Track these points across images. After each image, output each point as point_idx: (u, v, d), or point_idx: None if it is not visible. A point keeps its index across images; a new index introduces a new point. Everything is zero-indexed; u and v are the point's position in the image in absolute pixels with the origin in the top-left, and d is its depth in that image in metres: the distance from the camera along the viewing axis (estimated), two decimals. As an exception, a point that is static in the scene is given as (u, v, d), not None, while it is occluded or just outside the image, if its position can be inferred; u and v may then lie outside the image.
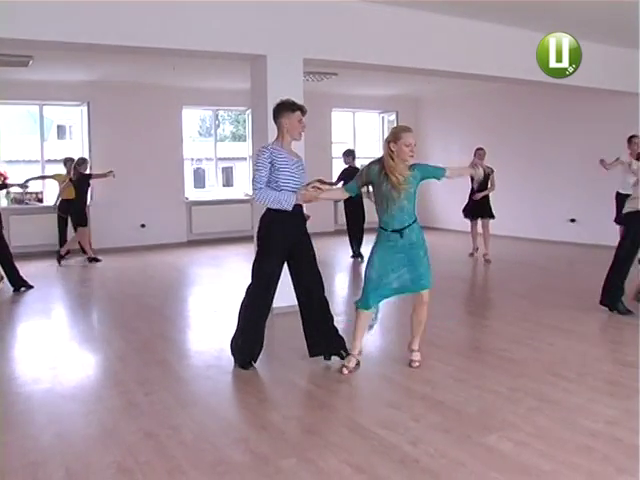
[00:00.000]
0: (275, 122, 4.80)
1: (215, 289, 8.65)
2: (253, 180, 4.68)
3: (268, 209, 4.76)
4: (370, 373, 4.82)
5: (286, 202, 4.64)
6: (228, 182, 21.82)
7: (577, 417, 3.91)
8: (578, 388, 4.43)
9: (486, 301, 7.60)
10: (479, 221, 10.33)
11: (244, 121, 16.55)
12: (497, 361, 5.10)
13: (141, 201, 12.36)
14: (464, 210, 10.50)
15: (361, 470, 3.26)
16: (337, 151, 14.32)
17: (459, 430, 3.73)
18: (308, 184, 4.79)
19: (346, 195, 4.93)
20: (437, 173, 4.76)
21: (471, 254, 10.53)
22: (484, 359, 5.17)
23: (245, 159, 14.71)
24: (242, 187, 15.66)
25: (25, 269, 8.82)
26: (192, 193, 14.42)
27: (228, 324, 6.50)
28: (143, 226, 12.62)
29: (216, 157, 14.35)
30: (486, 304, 7.49)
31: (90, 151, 12.10)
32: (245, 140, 16.20)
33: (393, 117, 15.67)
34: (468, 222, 10.42)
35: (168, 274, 9.85)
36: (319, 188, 4.68)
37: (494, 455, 3.41)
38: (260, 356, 5.01)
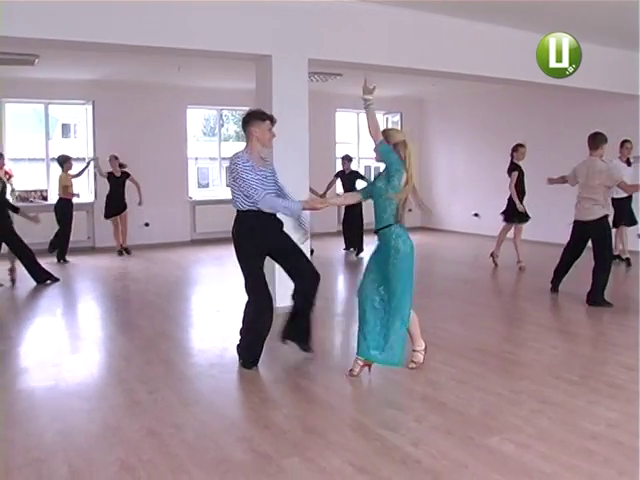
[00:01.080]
0: (244, 131, 4.85)
1: (218, 288, 8.67)
2: (249, 191, 4.64)
3: (247, 213, 4.73)
4: (372, 374, 4.82)
5: (296, 210, 4.73)
6: (232, 182, 21.82)
7: (578, 420, 3.91)
8: (580, 391, 4.44)
9: (489, 303, 7.59)
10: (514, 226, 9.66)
11: (248, 121, 16.59)
12: (500, 363, 5.11)
13: (145, 200, 12.38)
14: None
15: (363, 470, 3.27)
16: (341, 151, 14.34)
17: (461, 432, 3.73)
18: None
19: (362, 199, 4.93)
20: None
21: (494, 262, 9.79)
22: (486, 361, 5.18)
23: (249, 159, 14.71)
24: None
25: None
26: (196, 192, 14.43)
27: (231, 323, 6.52)
28: (147, 225, 12.64)
29: (220, 157, 14.35)
30: (489, 306, 7.47)
31: (95, 150, 12.12)
32: (249, 140, 16.21)
33: (397, 118, 15.67)
34: (471, 223, 10.25)
35: (171, 273, 9.87)
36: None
37: (496, 457, 3.41)
38: (262, 356, 5.02)
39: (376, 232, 4.70)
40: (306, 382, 4.67)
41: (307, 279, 4.98)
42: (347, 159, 11.40)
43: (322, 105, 12.61)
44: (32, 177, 14.94)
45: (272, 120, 4.84)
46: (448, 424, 3.85)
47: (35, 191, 12.12)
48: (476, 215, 13.98)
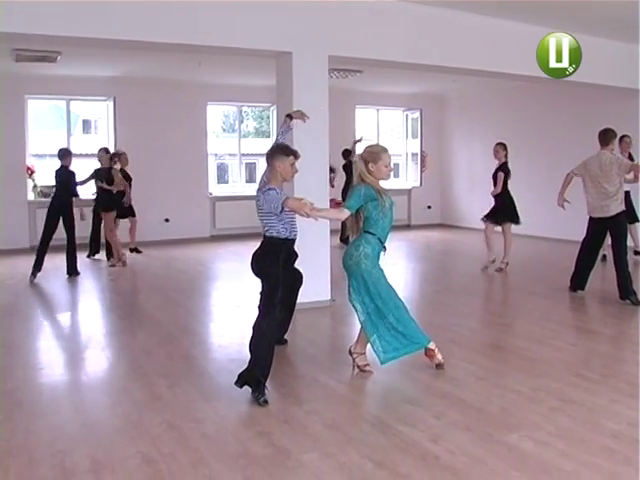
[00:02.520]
0: (268, 164, 4.74)
1: (238, 284, 8.70)
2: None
3: (271, 240, 4.64)
4: (392, 370, 4.83)
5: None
6: (251, 178, 21.88)
7: (599, 418, 3.89)
8: (600, 389, 4.41)
9: (508, 301, 7.57)
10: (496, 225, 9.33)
11: (268, 117, 16.60)
12: (519, 360, 5.09)
13: (165, 196, 12.47)
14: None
15: (382, 466, 3.29)
16: (360, 148, 14.32)
17: (480, 428, 3.73)
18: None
19: (345, 215, 4.57)
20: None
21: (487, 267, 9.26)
22: (506, 358, 5.17)
23: (269, 155, 14.73)
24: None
25: (49, 263, 8.94)
26: (215, 188, 14.49)
27: (251, 319, 6.56)
28: (167, 220, 12.72)
29: (240, 153, 14.41)
30: (508, 303, 7.46)
31: (115, 145, 12.19)
32: (269, 136, 16.26)
33: (417, 115, 15.61)
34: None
35: (192, 268, 9.93)
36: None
37: (515, 454, 3.41)
38: (285, 350, 5.14)
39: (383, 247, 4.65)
40: (325, 378, 4.69)
41: (290, 313, 5.28)
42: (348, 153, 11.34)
43: (342, 102, 12.61)
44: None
45: (296, 155, 4.76)
46: (467, 420, 3.85)
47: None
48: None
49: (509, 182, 9.13)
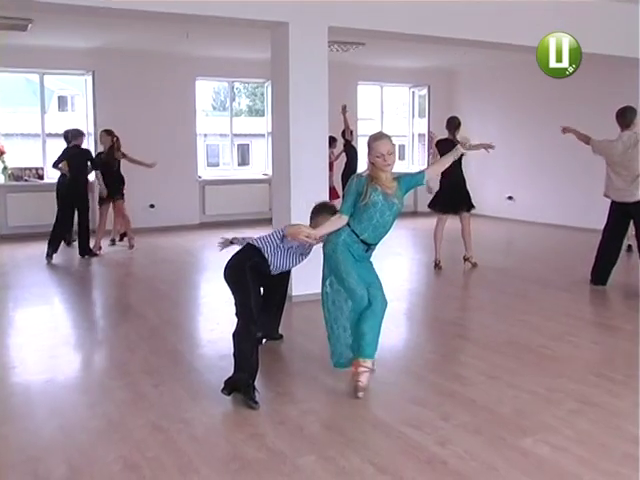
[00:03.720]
0: (312, 220, 4.81)
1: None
2: None
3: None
4: (396, 367, 4.83)
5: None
6: (244, 160, 21.86)
7: (622, 422, 3.88)
8: (624, 391, 4.40)
9: (523, 293, 7.56)
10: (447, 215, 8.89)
11: (262, 94, 16.57)
12: (535, 358, 5.09)
13: (150, 179, 12.36)
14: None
15: (385, 470, 3.29)
16: (363, 129, 14.28)
17: (492, 431, 3.73)
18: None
19: (344, 221, 4.48)
20: (419, 180, 4.64)
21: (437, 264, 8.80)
22: (520, 356, 5.16)
23: (263, 136, 14.70)
24: (259, 166, 15.68)
25: (22, 251, 8.94)
26: (205, 172, 14.47)
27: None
28: (152, 206, 12.69)
29: (232, 133, 14.38)
30: (523, 296, 7.45)
31: (95, 125, 12.14)
32: (263, 115, 16.22)
33: (425, 92, 15.58)
34: (505, 207, 9.80)
35: (179, 258, 9.93)
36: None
37: (529, 460, 3.41)
38: (280, 346, 5.17)
39: (367, 245, 4.53)
40: (324, 375, 4.68)
41: (278, 309, 5.37)
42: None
43: (343, 77, 12.54)
44: (26, 154, 15.04)
45: None
46: (477, 423, 3.85)
47: (30, 169, 12.18)
48: (510, 198, 13.89)
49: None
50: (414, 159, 15.95)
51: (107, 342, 5.71)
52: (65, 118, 19.53)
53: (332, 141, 11.26)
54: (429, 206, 9.06)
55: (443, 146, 8.02)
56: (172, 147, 12.74)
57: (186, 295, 7.68)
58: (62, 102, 24.27)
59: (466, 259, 8.86)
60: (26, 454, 3.52)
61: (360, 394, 4.28)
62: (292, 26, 6.77)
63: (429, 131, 15.35)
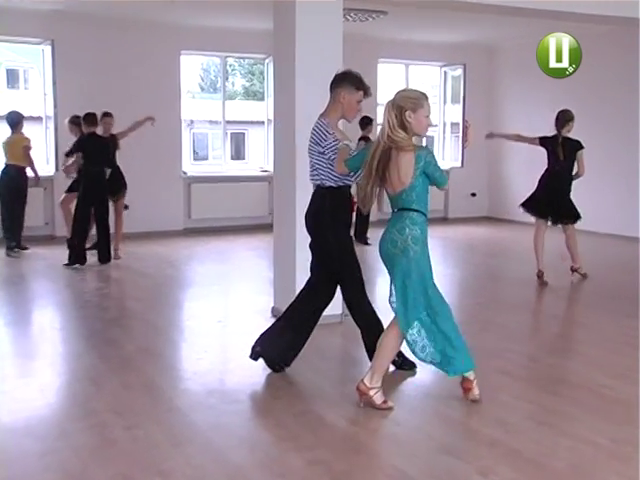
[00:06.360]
0: (332, 91, 5.32)
1: (219, 293, 8.68)
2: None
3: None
4: (422, 408, 4.80)
5: None
6: (239, 153, 21.88)
7: None
8: None
9: (579, 320, 7.53)
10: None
11: (261, 73, 16.60)
12: (596, 401, 5.05)
13: (125, 175, 12.42)
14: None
15: (410, 538, 3.25)
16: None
17: (542, 490, 3.71)
18: None
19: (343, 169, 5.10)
20: (440, 178, 4.79)
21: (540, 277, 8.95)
22: (577, 397, 5.12)
23: (262, 123, 14.73)
24: (257, 160, 15.70)
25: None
26: (191, 167, 14.51)
27: (235, 338, 6.53)
28: (126, 208, 12.67)
29: (224, 120, 14.41)
30: (579, 324, 7.42)
31: (55, 106, 12.14)
32: (262, 98, 16.25)
33: (459, 72, 15.59)
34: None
35: (159, 271, 9.93)
36: None
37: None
38: (282, 379, 5.18)
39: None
40: (334, 416, 4.65)
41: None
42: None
43: (361, 54, 12.54)
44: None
45: (367, 92, 5.32)
46: None
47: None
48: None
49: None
50: (445, 153, 15.94)
51: (68, 374, 5.69)
52: (16, 96, 19.49)
53: (367, 123, 11.31)
54: (523, 205, 9.33)
55: (547, 144, 8.87)
56: (151, 136, 12.66)
57: (167, 317, 7.66)
58: (12, 77, 24.14)
59: (574, 270, 9.13)
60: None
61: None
62: (299, -10, 6.78)
63: (464, 120, 15.36)
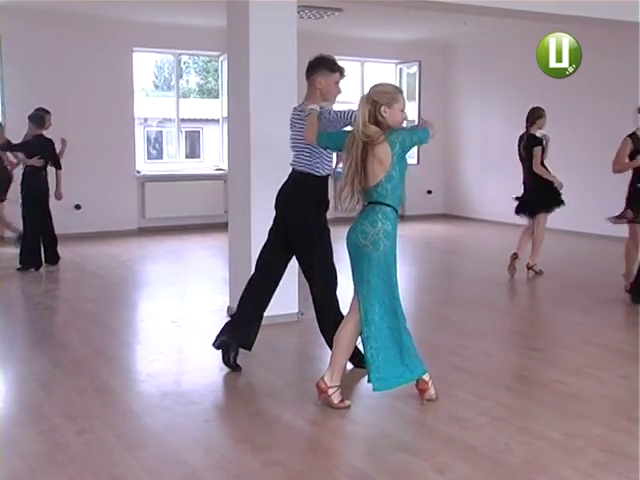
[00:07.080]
0: (308, 79, 5.49)
1: (174, 293, 8.65)
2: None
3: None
4: (378, 406, 4.81)
5: None
6: (193, 152, 21.75)
7: (658, 477, 3.89)
8: (661, 438, 4.42)
9: (535, 316, 7.60)
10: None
11: (215, 70, 16.54)
12: (550, 396, 5.09)
13: (75, 175, 12.22)
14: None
15: (366, 537, 3.27)
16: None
17: (497, 487, 3.74)
18: None
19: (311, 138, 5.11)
20: (422, 136, 4.83)
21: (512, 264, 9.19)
22: (532, 393, 5.18)
23: (217, 121, 14.68)
24: (212, 158, 15.63)
25: None
26: (145, 165, 14.42)
27: (191, 338, 6.51)
28: (78, 207, 12.57)
29: (178, 118, 14.34)
30: (535, 320, 7.49)
31: (2, 103, 11.98)
32: (217, 96, 16.21)
33: (414, 69, 15.67)
34: (511, 210, 9.80)
35: (112, 272, 9.84)
36: None
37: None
38: (237, 380, 5.14)
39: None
40: (290, 416, 4.65)
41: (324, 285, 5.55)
42: None
43: (316, 51, 12.43)
44: None
45: (342, 73, 5.52)
46: (480, 476, 3.84)
47: None
48: (518, 199, 13.96)
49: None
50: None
51: (16, 378, 5.60)
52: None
53: None
54: (516, 212, 9.50)
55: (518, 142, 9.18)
56: (103, 135, 12.63)
57: (121, 318, 7.59)
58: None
59: (529, 267, 9.16)
60: None
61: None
62: (253, -14, 6.77)
63: (419, 117, 15.42)
